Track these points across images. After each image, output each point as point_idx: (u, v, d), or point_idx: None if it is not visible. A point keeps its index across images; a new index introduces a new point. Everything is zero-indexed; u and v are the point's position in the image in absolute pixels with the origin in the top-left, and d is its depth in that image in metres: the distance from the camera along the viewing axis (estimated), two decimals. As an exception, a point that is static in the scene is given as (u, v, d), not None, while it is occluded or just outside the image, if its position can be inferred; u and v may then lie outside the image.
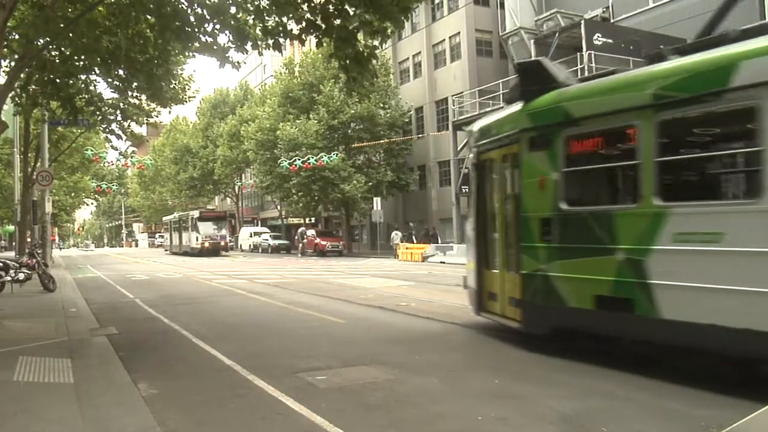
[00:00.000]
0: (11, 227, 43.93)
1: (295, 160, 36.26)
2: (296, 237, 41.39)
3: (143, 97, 16.17)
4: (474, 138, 9.86)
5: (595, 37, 23.72)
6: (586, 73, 22.07)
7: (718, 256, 5.78)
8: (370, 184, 36.54)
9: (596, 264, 6.95)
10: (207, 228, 43.89)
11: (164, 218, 60.03)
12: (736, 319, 5.57)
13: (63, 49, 11.64)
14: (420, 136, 39.35)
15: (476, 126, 10.02)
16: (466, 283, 9.87)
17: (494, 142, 8.94)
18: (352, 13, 8.65)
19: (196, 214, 45.87)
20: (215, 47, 9.97)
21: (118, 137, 20.87)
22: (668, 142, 6.38)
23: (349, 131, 38.11)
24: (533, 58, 10.69)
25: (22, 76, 11.42)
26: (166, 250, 55.97)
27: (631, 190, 6.82)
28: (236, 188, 59.58)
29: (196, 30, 9.69)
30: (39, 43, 10.02)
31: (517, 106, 8.27)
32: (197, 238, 43.59)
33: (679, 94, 6.15)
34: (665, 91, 6.27)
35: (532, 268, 7.80)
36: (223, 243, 44.14)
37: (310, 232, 40.68)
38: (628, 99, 6.74)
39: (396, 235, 35.97)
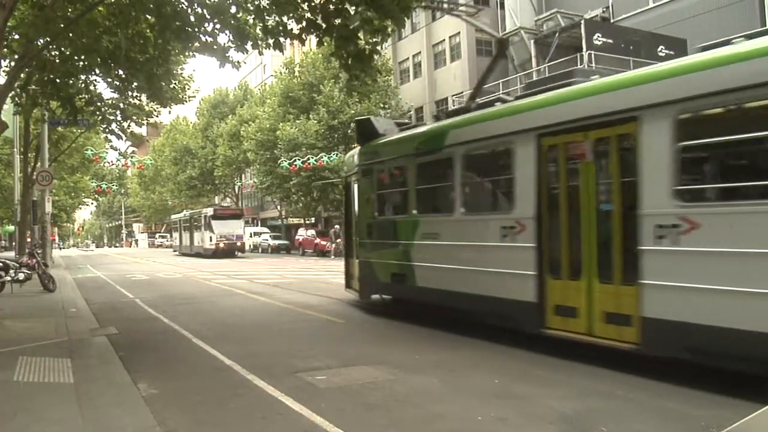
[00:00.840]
0: (11, 227, 43.89)
1: (295, 160, 36.25)
2: (330, 235, 37.19)
3: (143, 97, 16.16)
4: (344, 165, 14.75)
5: (595, 37, 23.72)
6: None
7: (438, 247, 9.62)
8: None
9: (391, 253, 10.85)
10: (222, 227, 40.79)
11: (173, 216, 56.92)
12: (451, 284, 9.25)
13: (63, 49, 11.63)
14: (420, 136, 39.40)
15: (345, 157, 14.79)
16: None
17: (349, 170, 13.15)
18: (352, 11, 8.64)
19: (209, 211, 42.88)
20: (215, 47, 9.97)
21: (118, 137, 20.86)
22: (420, 177, 10.24)
23: (349, 131, 38.10)
24: (365, 116, 14.96)
25: (22, 76, 11.41)
26: (174, 251, 52.56)
27: (405, 205, 10.65)
28: (236, 188, 59.57)
29: (196, 30, 9.69)
30: (39, 43, 10.02)
31: (357, 149, 12.57)
32: (211, 238, 40.88)
33: (425, 148, 10.20)
34: (419, 145, 10.39)
35: (363, 256, 11.86)
36: (239, 243, 41.42)
37: (310, 233, 40.64)
38: (405, 148, 10.72)
39: None
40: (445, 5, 12.27)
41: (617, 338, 6.77)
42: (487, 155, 9.13)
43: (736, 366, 5.89)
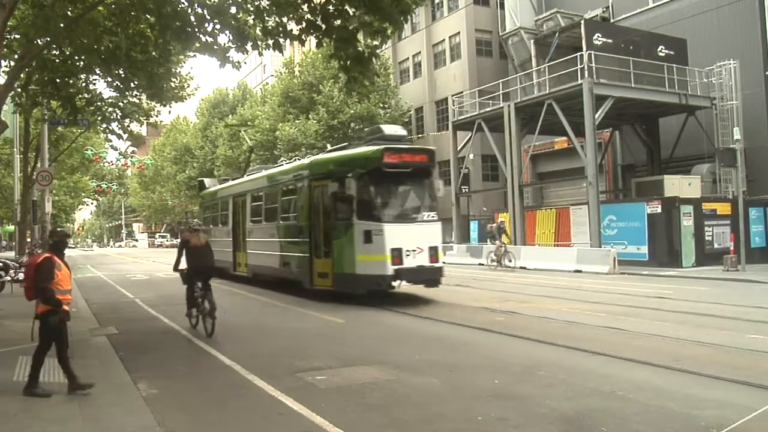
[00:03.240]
0: (11, 227, 43.83)
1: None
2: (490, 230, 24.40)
3: (143, 96, 16.16)
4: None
5: (595, 37, 23.66)
6: (586, 73, 22.06)
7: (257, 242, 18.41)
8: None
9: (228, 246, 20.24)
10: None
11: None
12: (265, 263, 17.22)
13: (63, 49, 11.64)
14: (420, 136, 39.34)
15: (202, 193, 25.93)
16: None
17: (199, 200, 28.00)
18: (352, 13, 8.64)
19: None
20: (215, 47, 9.96)
21: (119, 137, 20.87)
22: (225, 207, 21.42)
23: (349, 131, 38.09)
24: (200, 179, 29.90)
25: (22, 76, 11.41)
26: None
27: (217, 221, 22.13)
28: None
29: (197, 30, 9.68)
30: (39, 43, 10.02)
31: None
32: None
33: (213, 198, 23.07)
34: (210, 195, 23.59)
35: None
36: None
37: None
38: (210, 195, 23.54)
39: None
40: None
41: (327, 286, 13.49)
42: (247, 196, 19.00)
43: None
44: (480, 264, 24.89)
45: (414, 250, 12.55)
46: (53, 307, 5.83)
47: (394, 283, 12.62)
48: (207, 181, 25.98)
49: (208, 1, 9.56)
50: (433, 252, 12.93)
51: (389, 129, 14.15)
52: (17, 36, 11.18)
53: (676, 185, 22.76)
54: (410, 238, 12.64)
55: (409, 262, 12.42)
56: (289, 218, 15.25)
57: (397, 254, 12.32)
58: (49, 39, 9.93)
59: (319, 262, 13.61)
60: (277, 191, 16.22)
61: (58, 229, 7.04)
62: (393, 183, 13.11)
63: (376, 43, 9.03)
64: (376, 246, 12.33)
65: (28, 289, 5.95)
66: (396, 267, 12.28)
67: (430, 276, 12.95)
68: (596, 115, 21.91)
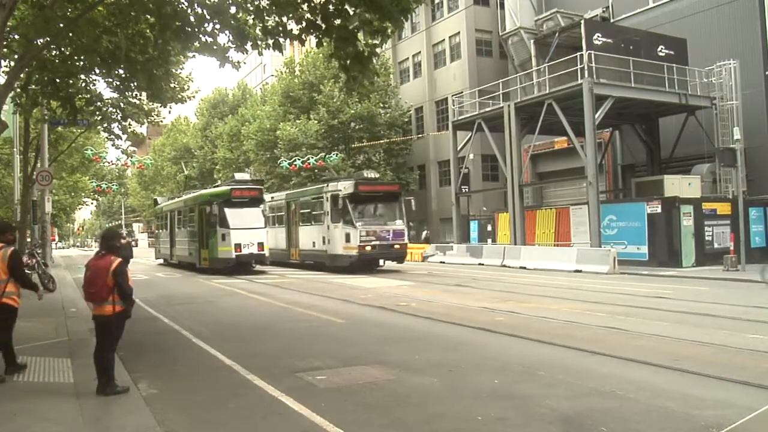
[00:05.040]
0: (11, 227, 43.70)
1: (295, 160, 36.24)
2: None
3: (143, 96, 16.14)
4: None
5: (595, 37, 23.64)
6: (586, 73, 22.06)
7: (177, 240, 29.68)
8: (371, 184, 36.48)
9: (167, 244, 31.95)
10: (368, 215, 22.60)
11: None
12: (182, 252, 28.06)
13: (63, 49, 11.63)
14: (420, 135, 39.34)
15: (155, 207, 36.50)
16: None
17: (154, 213, 41.54)
18: (352, 12, 8.64)
19: (347, 186, 22.35)
20: (215, 47, 9.95)
21: (118, 137, 20.85)
22: (164, 220, 32.73)
23: (349, 131, 38.10)
24: (155, 197, 40.88)
25: (22, 76, 11.40)
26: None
27: (164, 226, 32.20)
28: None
29: (196, 30, 9.66)
30: (39, 43, 10.01)
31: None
32: (349, 236, 21.78)
33: (160, 211, 33.36)
34: (159, 210, 34.06)
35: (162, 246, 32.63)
36: (398, 246, 22.23)
37: None
38: (158, 211, 34.23)
39: None
40: None
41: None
42: (176, 211, 29.13)
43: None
44: (480, 264, 24.91)
45: (248, 244, 22.40)
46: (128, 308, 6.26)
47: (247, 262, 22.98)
48: (159, 199, 37.05)
49: (207, 1, 9.54)
50: (261, 245, 22.61)
51: (239, 175, 27.34)
52: (17, 36, 11.17)
53: (676, 185, 22.76)
54: (246, 237, 22.45)
55: (245, 251, 22.34)
56: (192, 226, 25.78)
57: (238, 246, 22.23)
58: (49, 39, 9.92)
59: (203, 252, 23.79)
60: (186, 209, 27.11)
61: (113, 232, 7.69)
62: (237, 206, 22.88)
63: (376, 42, 9.02)
64: (227, 242, 22.25)
65: (98, 292, 5.98)
66: (237, 254, 22.22)
67: (259, 259, 22.88)
68: (596, 115, 21.90)
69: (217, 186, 28.88)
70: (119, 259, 6.09)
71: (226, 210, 22.54)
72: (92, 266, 6.07)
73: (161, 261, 31.63)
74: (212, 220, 22.44)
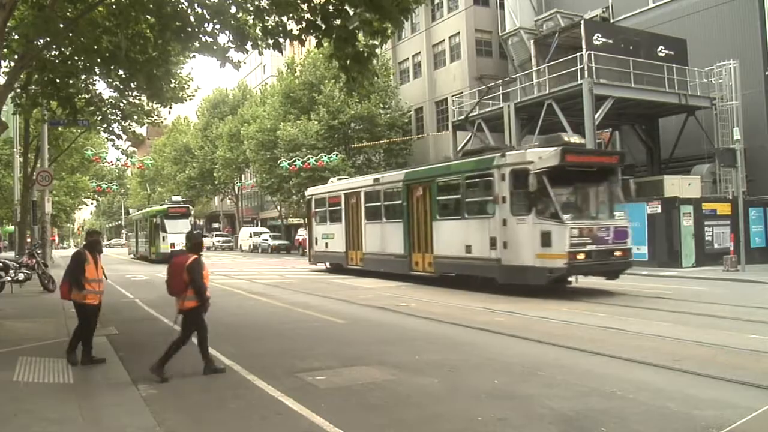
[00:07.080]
0: (11, 227, 43.79)
1: (295, 160, 36.24)
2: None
3: (143, 96, 16.14)
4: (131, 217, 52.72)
5: (594, 37, 23.65)
6: (586, 73, 22.06)
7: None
8: (370, 184, 36.44)
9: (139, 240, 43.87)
10: (578, 204, 15.15)
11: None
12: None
13: (63, 49, 11.63)
14: (420, 136, 39.33)
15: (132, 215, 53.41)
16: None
17: (128, 221, 64.81)
18: (351, 13, 8.64)
19: (546, 156, 13.99)
20: (215, 47, 9.96)
21: (118, 137, 20.85)
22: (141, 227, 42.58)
23: (349, 131, 38.09)
24: (128, 208, 50.74)
25: (22, 76, 11.41)
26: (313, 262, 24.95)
27: (143, 230, 40.93)
28: (236, 188, 59.54)
29: (196, 30, 9.67)
30: (39, 43, 10.01)
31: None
32: (549, 236, 13.94)
33: (130, 221, 56.80)
34: (130, 221, 56.19)
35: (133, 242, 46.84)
36: (619, 252, 14.88)
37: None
38: (132, 219, 54.40)
39: None
40: None
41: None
42: (138, 221, 44.22)
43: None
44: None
45: (179, 243, 24.45)
46: (201, 303, 7.04)
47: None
48: (131, 210, 45.27)
49: (207, 1, 9.55)
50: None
51: (174, 198, 39.69)
52: (17, 36, 11.17)
53: (676, 185, 22.74)
54: (178, 239, 26.92)
55: (177, 248, 25.79)
56: (146, 231, 37.26)
57: (173, 245, 30.18)
58: (49, 39, 9.92)
59: (152, 248, 34.77)
60: (144, 220, 38.33)
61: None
62: (172, 218, 33.61)
63: (375, 43, 9.02)
64: (165, 242, 32.22)
65: (175, 287, 7.05)
66: (172, 249, 29.07)
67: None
68: (596, 115, 21.90)
69: (162, 204, 38.60)
70: (194, 256, 6.53)
71: (166, 221, 33.79)
72: (173, 263, 6.88)
73: (132, 256, 44.01)
74: (158, 228, 33.99)
